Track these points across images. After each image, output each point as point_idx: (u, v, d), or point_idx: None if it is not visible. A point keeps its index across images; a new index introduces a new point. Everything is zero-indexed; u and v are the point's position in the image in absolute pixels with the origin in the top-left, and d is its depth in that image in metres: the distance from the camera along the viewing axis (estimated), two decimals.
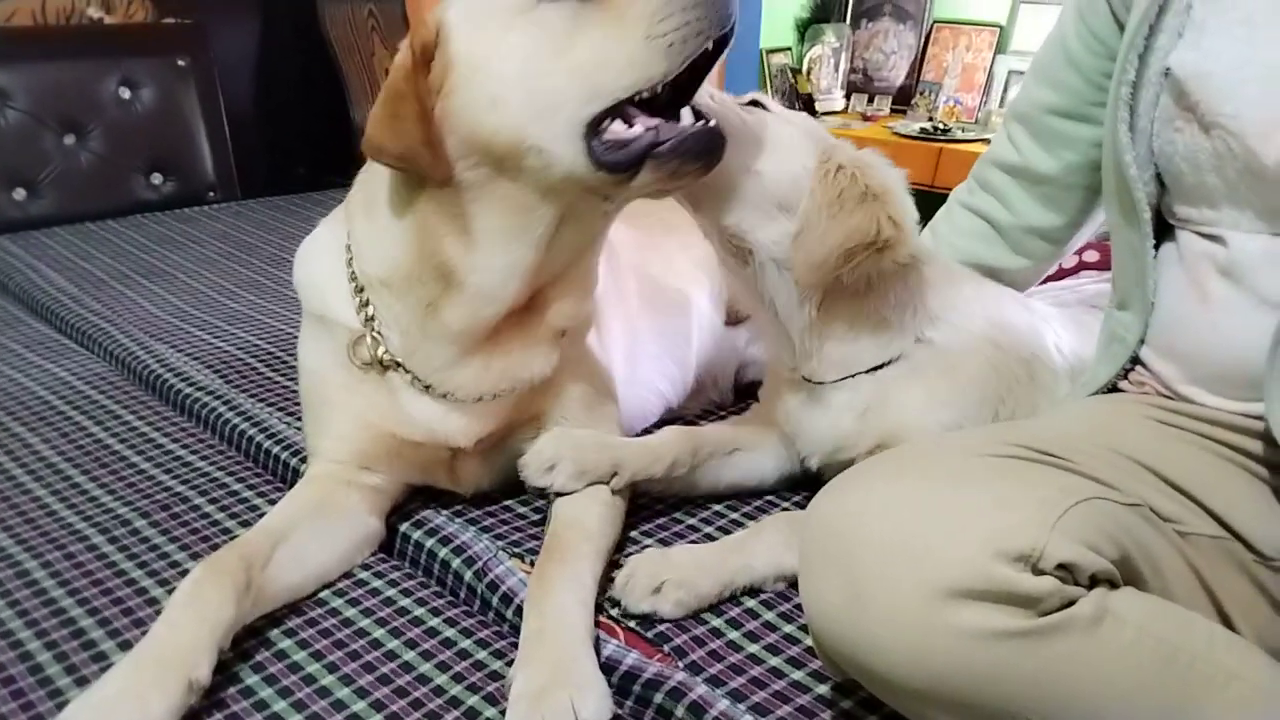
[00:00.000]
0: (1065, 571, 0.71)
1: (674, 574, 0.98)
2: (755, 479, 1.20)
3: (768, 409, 1.20)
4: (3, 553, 1.08)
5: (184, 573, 0.99)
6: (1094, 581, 0.73)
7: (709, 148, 0.98)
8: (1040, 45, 1.21)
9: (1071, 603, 0.70)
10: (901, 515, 0.74)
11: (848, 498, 0.78)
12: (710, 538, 1.12)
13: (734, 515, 1.17)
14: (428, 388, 1.09)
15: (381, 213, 1.06)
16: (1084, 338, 1.15)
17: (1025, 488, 0.76)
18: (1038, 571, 0.70)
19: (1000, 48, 3.90)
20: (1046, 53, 1.18)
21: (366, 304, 1.09)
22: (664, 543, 1.11)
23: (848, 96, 4.13)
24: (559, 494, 1.06)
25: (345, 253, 1.11)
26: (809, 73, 4.01)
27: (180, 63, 2.54)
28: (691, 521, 1.16)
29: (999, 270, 1.24)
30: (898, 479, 0.79)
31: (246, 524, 1.11)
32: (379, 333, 1.09)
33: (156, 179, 2.53)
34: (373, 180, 1.08)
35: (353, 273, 1.10)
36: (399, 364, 1.09)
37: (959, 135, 3.64)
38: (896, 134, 3.76)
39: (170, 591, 0.95)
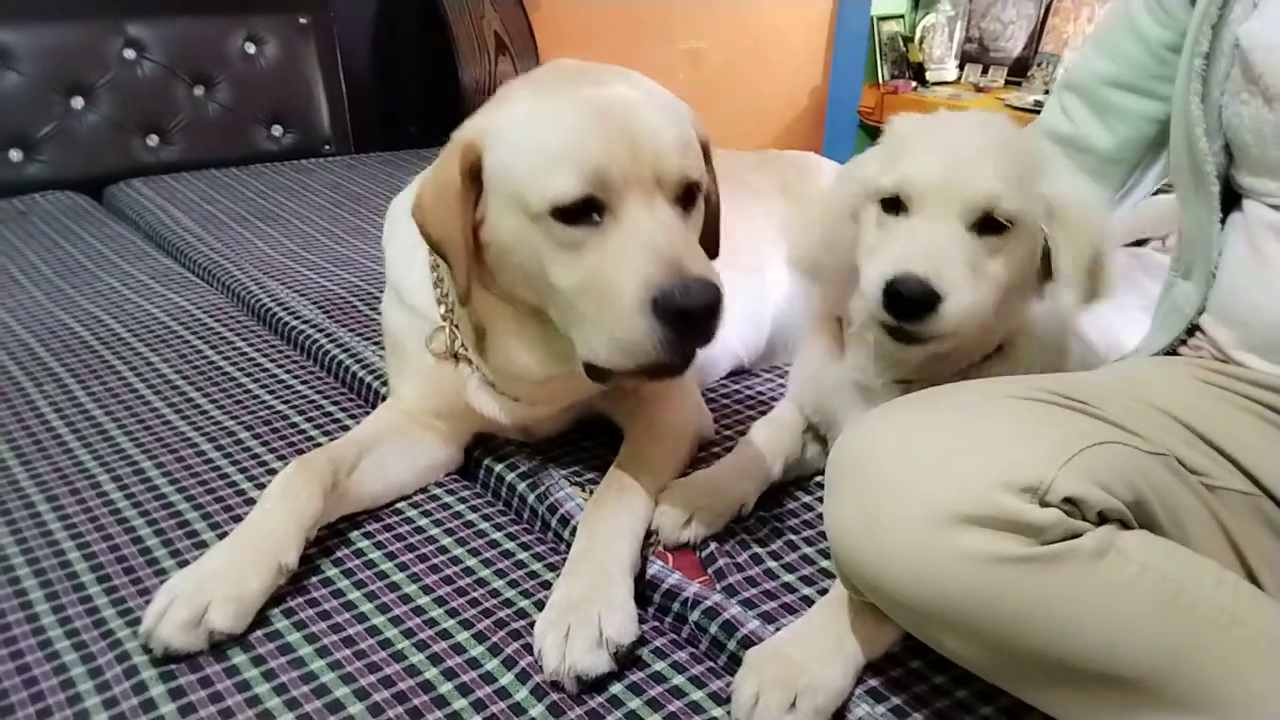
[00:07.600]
0: (1072, 506, 0.73)
1: (803, 679, 0.82)
2: None
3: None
4: (124, 453, 1.21)
5: None
6: (1104, 520, 0.75)
7: None
8: (1102, 16, 1.18)
9: (1077, 535, 0.73)
10: (915, 443, 0.77)
11: (870, 428, 0.82)
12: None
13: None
14: (494, 384, 1.13)
15: None
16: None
17: (1043, 427, 0.78)
18: (1044, 504, 0.72)
19: None
20: (1109, 24, 1.16)
21: (447, 294, 1.10)
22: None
23: (961, 67, 4.05)
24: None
25: None
26: (921, 41, 3.95)
27: (302, 20, 2.61)
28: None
29: None
30: (919, 412, 0.82)
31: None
32: (457, 325, 1.11)
33: (277, 131, 2.63)
34: None
35: (435, 261, 1.11)
36: (469, 360, 1.12)
37: None
38: (1010, 106, 3.68)
39: None
